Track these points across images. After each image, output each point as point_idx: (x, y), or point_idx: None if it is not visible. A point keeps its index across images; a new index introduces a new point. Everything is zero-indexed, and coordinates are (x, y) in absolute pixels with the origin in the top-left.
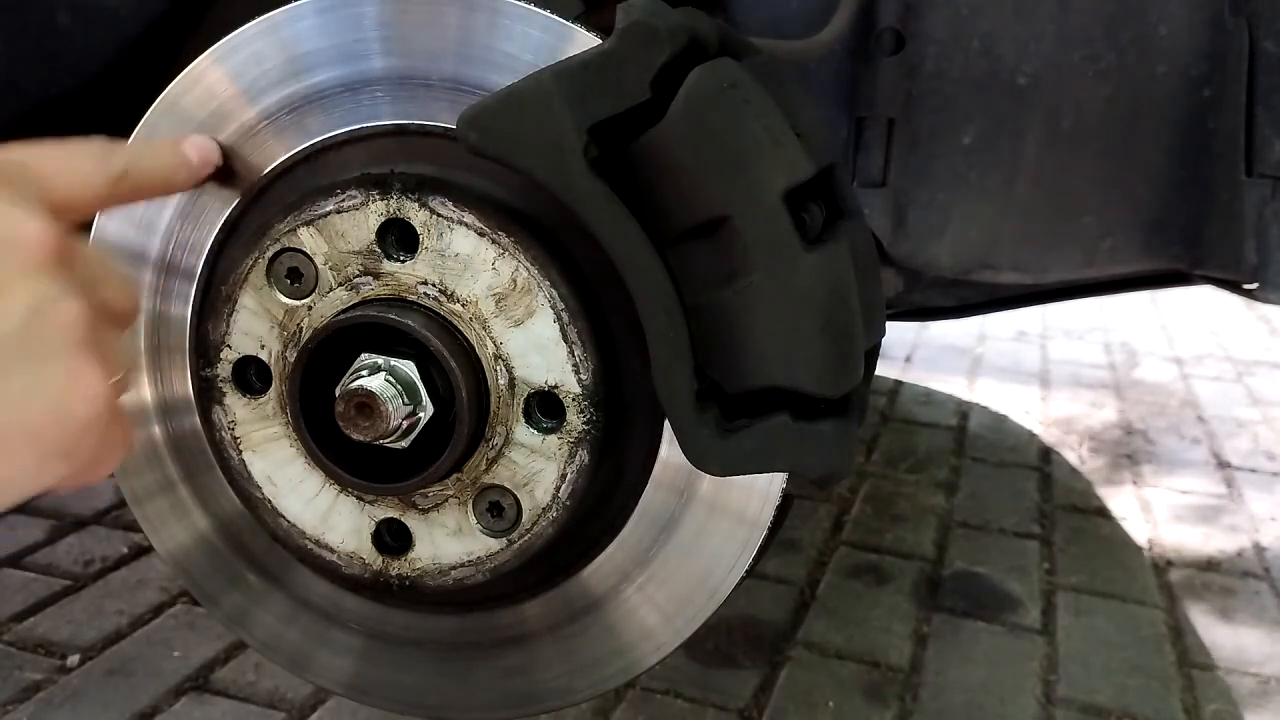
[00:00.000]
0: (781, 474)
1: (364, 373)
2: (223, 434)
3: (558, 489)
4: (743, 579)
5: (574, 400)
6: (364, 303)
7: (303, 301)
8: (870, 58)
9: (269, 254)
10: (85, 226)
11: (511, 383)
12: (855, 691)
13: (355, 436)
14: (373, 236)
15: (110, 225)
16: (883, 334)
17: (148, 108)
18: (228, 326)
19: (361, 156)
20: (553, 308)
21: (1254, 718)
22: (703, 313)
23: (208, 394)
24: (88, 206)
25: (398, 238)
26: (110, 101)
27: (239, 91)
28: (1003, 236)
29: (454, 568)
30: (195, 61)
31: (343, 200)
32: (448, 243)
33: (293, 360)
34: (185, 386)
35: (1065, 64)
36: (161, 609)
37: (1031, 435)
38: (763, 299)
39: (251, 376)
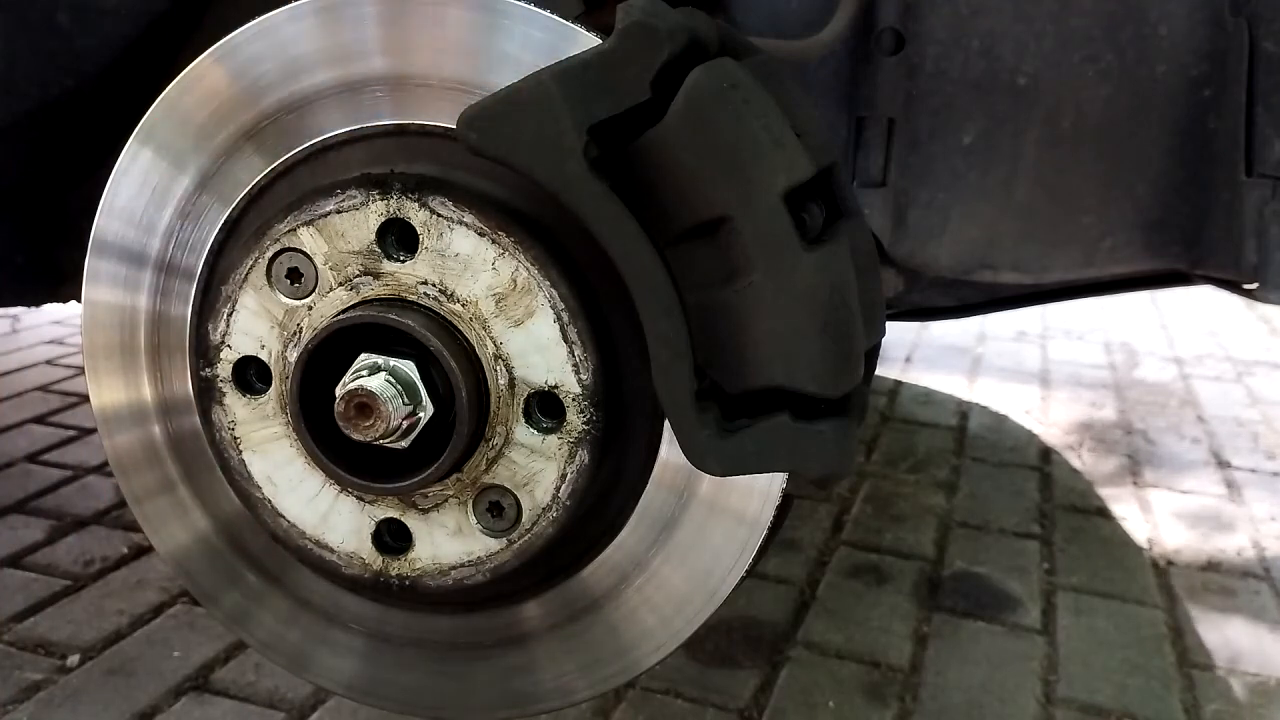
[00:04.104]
0: (781, 474)
1: (364, 373)
2: (223, 434)
3: (558, 489)
4: (743, 579)
5: (574, 400)
6: (364, 303)
7: (303, 301)
8: (870, 58)
9: (269, 254)
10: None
11: (511, 383)
12: (855, 691)
13: (355, 436)
14: (373, 236)
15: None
16: (883, 334)
17: (148, 108)
18: (228, 326)
19: (361, 156)
20: (553, 308)
21: (1254, 718)
22: (703, 313)
23: (208, 394)
24: None
25: (398, 238)
26: (110, 102)
27: (238, 91)
28: (1002, 236)
29: (454, 568)
30: (195, 62)
31: (343, 200)
32: (448, 243)
33: (293, 360)
34: (185, 386)
35: (1065, 64)
36: (161, 609)
37: (1031, 435)
38: (763, 299)
39: (251, 376)
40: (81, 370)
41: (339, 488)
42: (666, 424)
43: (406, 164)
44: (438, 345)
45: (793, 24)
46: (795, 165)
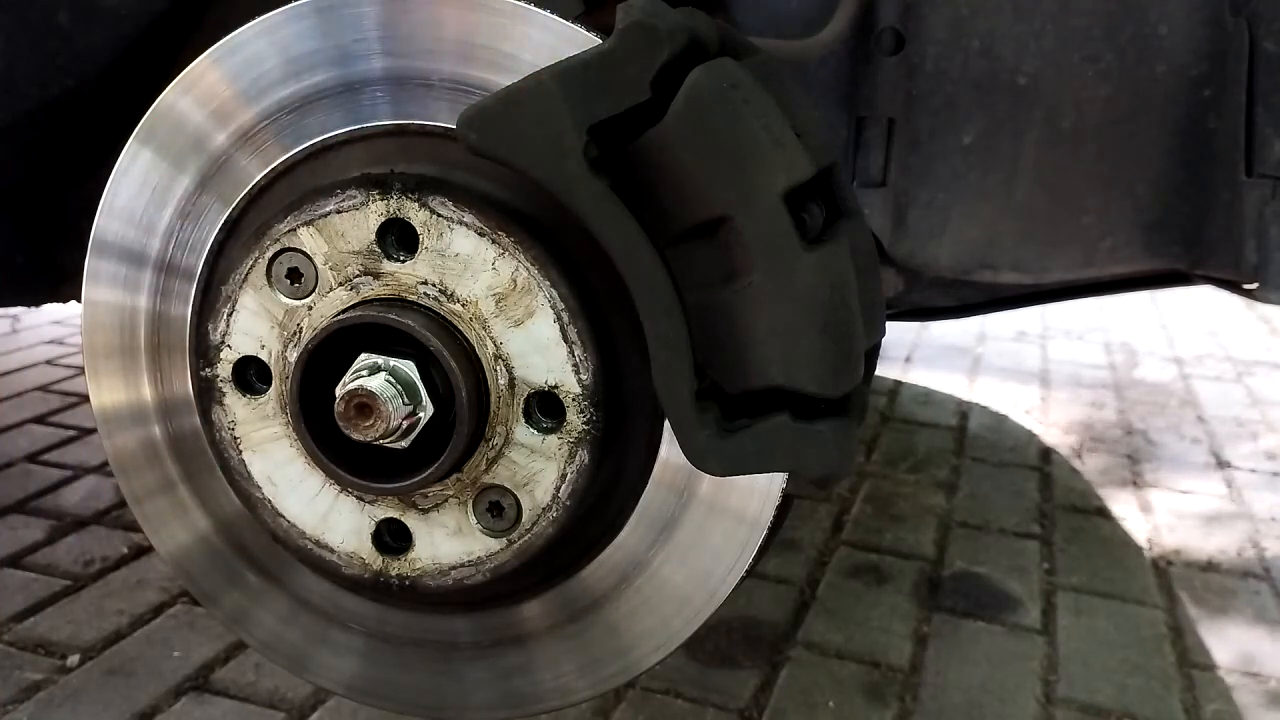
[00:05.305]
0: (781, 474)
1: (364, 373)
2: (223, 434)
3: (558, 489)
4: (743, 579)
5: (574, 400)
6: (364, 303)
7: (303, 301)
8: (870, 58)
9: (269, 254)
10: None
11: (511, 383)
12: (855, 691)
13: (355, 436)
14: (373, 236)
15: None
16: (883, 334)
17: (147, 108)
18: (228, 326)
19: (361, 156)
20: (553, 308)
21: (1254, 718)
22: (703, 313)
23: (208, 394)
24: None
25: (398, 238)
26: (110, 102)
27: (238, 92)
28: (1002, 236)
29: (454, 568)
30: (194, 62)
31: (343, 200)
32: (448, 243)
33: (293, 360)
34: (185, 386)
35: (1065, 64)
36: (161, 609)
37: (1031, 435)
38: (763, 299)
39: (251, 376)
40: (81, 370)
41: (339, 488)
42: (666, 424)
43: (406, 164)
44: (438, 345)
45: (793, 24)
46: (795, 165)
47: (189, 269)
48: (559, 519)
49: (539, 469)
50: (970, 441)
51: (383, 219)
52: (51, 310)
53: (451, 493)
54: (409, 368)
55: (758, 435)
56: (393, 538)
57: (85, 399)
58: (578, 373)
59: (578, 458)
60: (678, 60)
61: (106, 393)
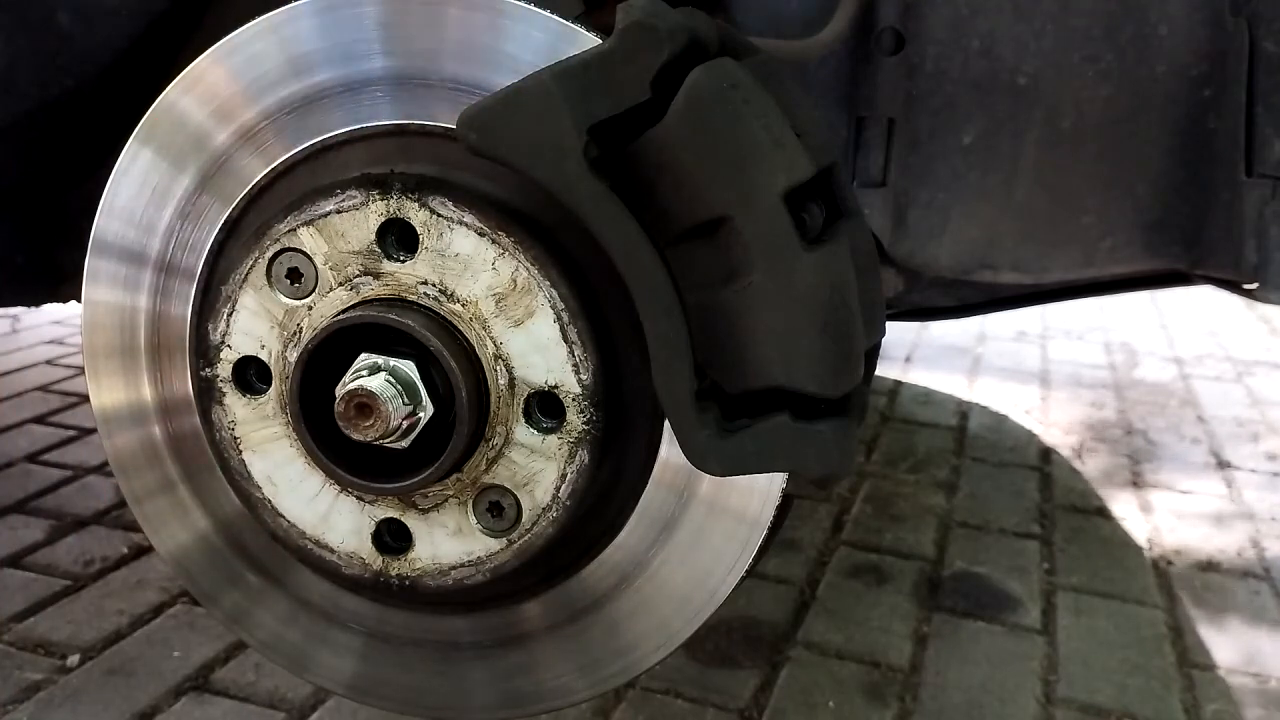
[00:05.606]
0: (781, 474)
1: (364, 373)
2: (223, 434)
3: (558, 489)
4: (743, 579)
5: (574, 400)
6: (364, 303)
7: (303, 301)
8: (870, 58)
9: (269, 254)
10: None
11: (511, 383)
12: (855, 691)
13: (355, 436)
14: (373, 236)
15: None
16: (883, 334)
17: (148, 108)
18: (228, 326)
19: (361, 156)
20: (553, 308)
21: (1254, 718)
22: (703, 313)
23: (208, 394)
24: None
25: (398, 238)
26: (110, 102)
27: (239, 91)
28: (1002, 236)
29: (454, 568)
30: (195, 61)
31: (343, 200)
32: (448, 243)
33: (293, 360)
34: (185, 386)
35: (1065, 64)
36: (161, 609)
37: (1031, 435)
38: (763, 299)
39: (251, 376)
40: (81, 370)
41: (339, 488)
42: (666, 424)
43: (406, 164)
44: (438, 345)
45: (793, 24)
46: (795, 165)
47: (189, 269)
48: (559, 519)
49: (539, 469)
50: (970, 441)
51: (383, 219)
52: (51, 310)
53: (451, 493)
54: (409, 368)
55: (758, 435)
56: (393, 538)
57: (85, 399)
58: (578, 373)
59: (578, 458)
60: (678, 60)
61: (106, 393)
